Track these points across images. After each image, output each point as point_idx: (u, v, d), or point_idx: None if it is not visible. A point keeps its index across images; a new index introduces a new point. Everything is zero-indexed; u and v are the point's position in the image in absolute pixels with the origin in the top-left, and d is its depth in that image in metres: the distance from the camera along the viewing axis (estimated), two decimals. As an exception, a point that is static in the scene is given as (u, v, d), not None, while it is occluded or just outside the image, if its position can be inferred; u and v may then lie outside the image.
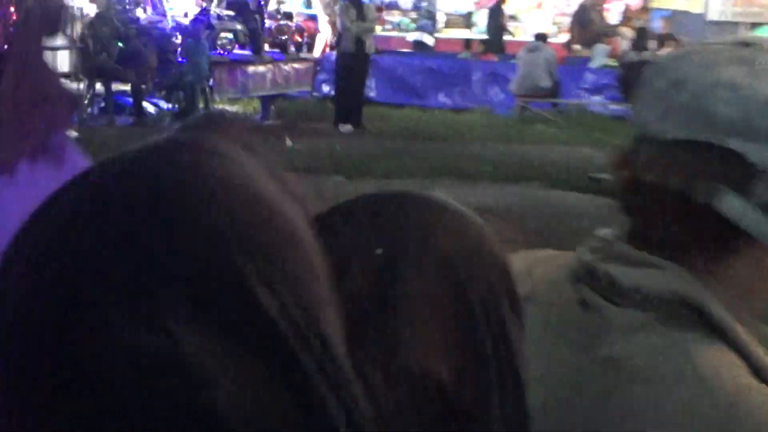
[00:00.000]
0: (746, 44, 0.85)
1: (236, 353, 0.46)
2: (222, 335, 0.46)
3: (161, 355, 0.45)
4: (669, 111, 0.81)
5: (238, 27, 11.55)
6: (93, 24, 11.11)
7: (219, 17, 11.86)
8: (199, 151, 0.53)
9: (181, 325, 0.45)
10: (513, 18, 15.57)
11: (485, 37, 15.30)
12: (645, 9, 15.44)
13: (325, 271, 0.52)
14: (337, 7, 12.80)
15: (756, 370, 0.78)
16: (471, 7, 16.11)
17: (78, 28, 11.28)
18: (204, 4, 11.58)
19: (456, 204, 0.69)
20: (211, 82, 11.02)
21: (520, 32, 15.83)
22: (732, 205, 0.76)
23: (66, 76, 11.83)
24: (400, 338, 0.60)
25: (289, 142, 10.32)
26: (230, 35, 11.39)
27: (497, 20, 14.13)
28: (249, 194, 0.51)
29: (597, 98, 13.21)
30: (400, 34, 15.34)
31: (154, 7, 11.45)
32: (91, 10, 11.31)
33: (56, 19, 2.42)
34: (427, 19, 16.16)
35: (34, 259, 0.50)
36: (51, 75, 2.38)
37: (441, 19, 16.36)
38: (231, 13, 11.81)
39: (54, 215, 0.51)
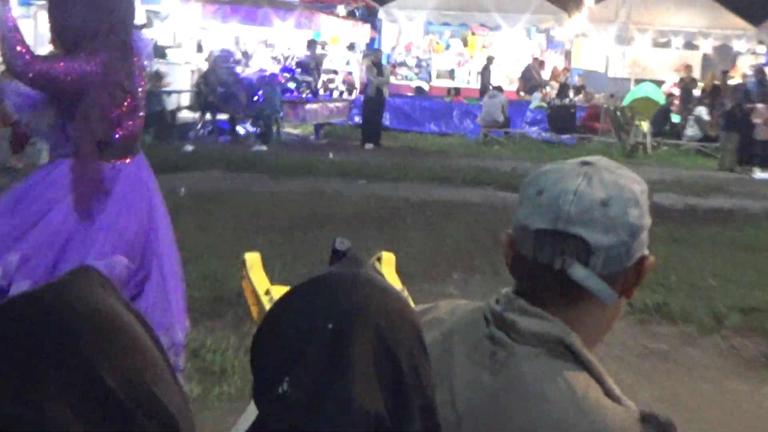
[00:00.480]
0: (587, 163, 0.83)
1: (89, 416, 0.46)
2: (80, 404, 0.46)
3: (28, 423, 0.45)
4: (535, 210, 0.80)
5: (304, 79, 10.96)
6: (205, 75, 10.16)
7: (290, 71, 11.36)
8: (82, 295, 0.53)
9: (48, 400, 0.46)
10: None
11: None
12: (566, 69, 14.38)
13: (162, 362, 0.53)
14: (365, 67, 11.84)
15: (606, 392, 0.78)
16: (454, 66, 14.78)
17: (195, 77, 10.62)
18: (280, 64, 10.98)
19: (379, 279, 0.68)
20: (281, 114, 10.39)
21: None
22: (579, 273, 0.76)
23: (188, 107, 11.10)
24: (354, 387, 0.58)
25: (330, 155, 9.63)
26: (295, 84, 10.80)
27: (485, 75, 13.23)
28: (109, 318, 0.53)
29: (534, 128, 11.83)
30: (406, 83, 13.92)
31: (246, 64, 10.77)
32: (204, 66, 10.61)
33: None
34: (425, 73, 14.56)
35: None
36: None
37: (434, 73, 14.48)
38: (298, 69, 11.11)
39: None
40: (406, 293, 1.16)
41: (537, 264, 0.77)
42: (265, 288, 1.52)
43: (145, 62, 2.50)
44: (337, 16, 11.73)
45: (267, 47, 11.38)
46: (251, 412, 0.80)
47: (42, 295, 0.52)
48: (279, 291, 1.49)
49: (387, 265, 1.63)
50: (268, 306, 1.50)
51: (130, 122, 2.31)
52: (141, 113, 2.38)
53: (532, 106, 12.03)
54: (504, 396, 0.78)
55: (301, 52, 11.34)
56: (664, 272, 4.94)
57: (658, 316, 4.39)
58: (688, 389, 3.43)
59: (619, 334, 3.87)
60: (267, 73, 10.35)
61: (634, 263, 0.77)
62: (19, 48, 2.16)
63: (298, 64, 11.08)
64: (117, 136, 2.28)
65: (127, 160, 2.32)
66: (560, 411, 0.75)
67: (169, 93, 10.27)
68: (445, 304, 0.94)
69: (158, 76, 9.73)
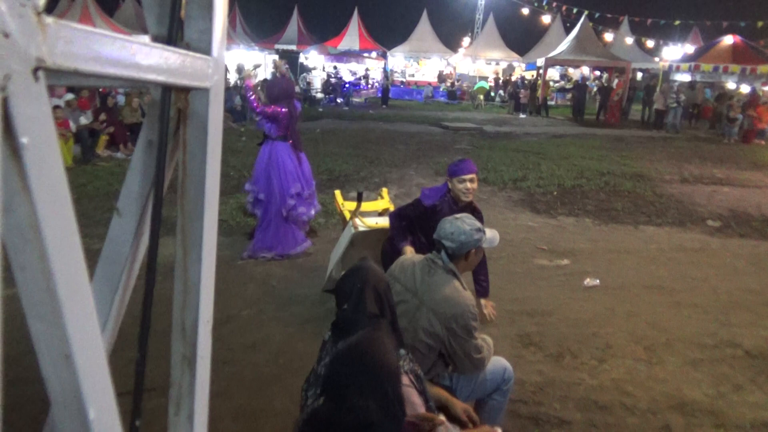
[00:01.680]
0: (456, 218, 2.33)
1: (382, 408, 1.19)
2: (379, 405, 1.20)
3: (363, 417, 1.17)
4: (436, 232, 2.36)
5: (360, 81, 27.48)
6: (326, 80, 26.34)
7: (358, 80, 27.80)
8: (372, 344, 1.34)
9: (368, 401, 1.16)
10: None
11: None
12: (454, 73, 31.80)
13: (416, 391, 1.49)
14: (381, 75, 27.94)
15: (463, 286, 2.23)
16: (415, 72, 33.06)
17: (322, 81, 26.81)
18: (354, 76, 27.33)
19: (374, 267, 1.84)
20: (352, 93, 26.62)
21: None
22: (442, 253, 2.32)
23: (320, 92, 26.78)
24: (366, 305, 1.69)
25: (370, 111, 26.25)
26: (358, 83, 27.45)
27: (424, 75, 30.86)
28: (389, 363, 1.28)
29: (443, 98, 28.97)
30: (398, 79, 31.02)
31: (339, 76, 27.33)
32: (324, 76, 27.06)
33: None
34: (403, 76, 32.54)
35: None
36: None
37: (407, 76, 32.57)
38: (362, 79, 27.97)
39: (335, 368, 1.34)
40: (392, 208, 4.24)
41: (436, 246, 2.35)
42: (341, 203, 4.52)
43: (297, 104, 4.95)
44: (372, 57, 28.91)
45: (349, 71, 27.97)
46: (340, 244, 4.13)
47: (364, 347, 1.30)
48: (348, 204, 4.57)
49: (385, 196, 4.60)
50: (345, 212, 4.39)
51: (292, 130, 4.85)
52: (294, 127, 4.87)
53: (441, 89, 28.71)
54: (433, 284, 2.25)
55: (361, 71, 27.98)
56: (486, 162, 9.92)
57: (483, 182, 8.35)
58: (493, 216, 6.60)
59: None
60: (348, 80, 27.11)
61: (465, 254, 2.31)
62: (254, 102, 4.78)
63: (359, 77, 27.56)
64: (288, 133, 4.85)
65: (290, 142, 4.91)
66: (451, 290, 2.21)
67: (313, 87, 26.35)
68: (409, 257, 2.52)
69: (307, 81, 25.99)
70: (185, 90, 0.85)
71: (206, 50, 0.83)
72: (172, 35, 0.80)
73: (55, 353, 0.57)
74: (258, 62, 4.26)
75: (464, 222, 2.33)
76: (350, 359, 1.32)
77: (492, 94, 27.73)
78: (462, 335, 2.24)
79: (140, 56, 0.64)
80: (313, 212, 5.32)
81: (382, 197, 4.78)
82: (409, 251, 3.23)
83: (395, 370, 1.32)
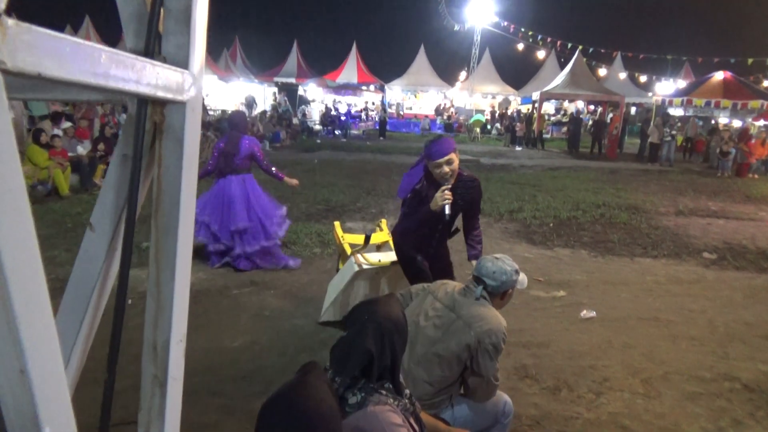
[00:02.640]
0: (497, 258, 2.47)
1: None
2: None
3: None
4: (476, 269, 2.49)
5: (358, 114, 27.94)
6: (325, 112, 26.70)
7: (357, 113, 28.49)
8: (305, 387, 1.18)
9: None
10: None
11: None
12: (452, 106, 32.33)
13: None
14: (379, 107, 29.25)
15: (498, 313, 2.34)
16: (413, 105, 33.44)
17: (320, 113, 27.22)
18: (353, 108, 27.86)
19: (382, 300, 1.74)
20: (350, 125, 27.01)
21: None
22: (480, 288, 2.42)
23: (318, 124, 27.23)
24: (366, 340, 1.58)
25: (367, 143, 26.64)
26: (355, 116, 27.80)
27: (421, 108, 31.26)
28: (329, 409, 1.15)
29: (440, 129, 29.71)
30: (393, 112, 31.37)
31: (337, 108, 27.73)
32: (323, 108, 27.34)
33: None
34: (401, 108, 32.55)
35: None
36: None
37: (405, 108, 33.11)
38: (359, 110, 28.37)
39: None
40: (391, 241, 3.66)
41: (476, 278, 2.45)
42: (341, 236, 4.30)
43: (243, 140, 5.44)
44: (370, 90, 29.31)
45: (347, 103, 28.32)
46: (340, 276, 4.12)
47: (291, 394, 1.10)
48: (349, 237, 4.46)
49: (384, 228, 4.55)
50: (345, 246, 4.29)
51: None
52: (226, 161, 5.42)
53: (438, 121, 29.24)
54: (470, 304, 2.40)
55: (360, 104, 28.47)
56: (484, 195, 12.93)
57: (479, 214, 10.25)
58: (489, 247, 6.28)
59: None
60: (344, 111, 27.48)
61: (504, 292, 2.45)
62: (273, 169, 5.55)
63: (359, 110, 28.06)
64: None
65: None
66: (487, 310, 2.37)
67: (311, 119, 26.74)
68: (440, 282, 2.64)
69: (305, 113, 26.41)
70: (161, 103, 0.83)
71: (183, 64, 0.81)
72: (149, 48, 0.78)
73: (9, 368, 0.54)
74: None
75: (505, 263, 2.42)
76: (276, 410, 1.22)
77: (488, 126, 28.24)
78: (491, 353, 2.30)
79: (112, 65, 0.62)
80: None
81: (381, 229, 4.75)
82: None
83: (330, 416, 1.20)
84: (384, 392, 1.63)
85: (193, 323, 4.31)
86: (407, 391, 1.76)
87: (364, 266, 3.99)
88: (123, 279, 0.89)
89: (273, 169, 5.58)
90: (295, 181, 5.73)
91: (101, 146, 9.87)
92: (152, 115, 0.84)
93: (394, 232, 3.59)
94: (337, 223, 4.75)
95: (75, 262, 0.96)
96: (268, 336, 4.16)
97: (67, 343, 0.94)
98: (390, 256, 4.04)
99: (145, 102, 0.82)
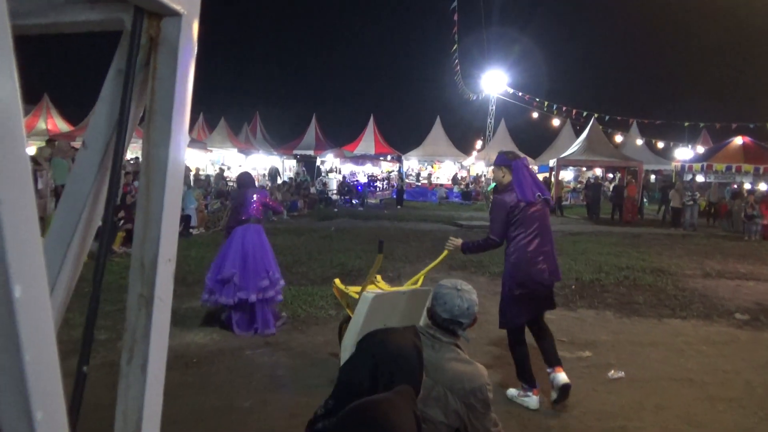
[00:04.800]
0: (459, 289, 2.25)
1: None
2: None
3: None
4: (443, 309, 2.22)
5: (377, 183, 28.34)
6: (342, 182, 26.82)
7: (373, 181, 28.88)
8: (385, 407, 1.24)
9: None
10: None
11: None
12: (468, 176, 33.05)
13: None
14: (397, 178, 29.69)
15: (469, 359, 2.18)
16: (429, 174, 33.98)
17: (337, 183, 27.74)
18: (369, 178, 28.40)
19: (391, 332, 1.94)
20: (368, 194, 27.36)
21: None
22: (459, 332, 2.24)
23: (335, 193, 28.01)
24: (394, 378, 1.62)
25: (385, 211, 26.75)
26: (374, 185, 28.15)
27: (436, 179, 31.84)
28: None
29: (457, 199, 29.58)
30: (412, 182, 32.49)
31: (355, 178, 28.23)
32: (340, 178, 27.93)
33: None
34: (418, 178, 33.29)
35: None
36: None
37: (422, 179, 33.54)
38: (378, 180, 28.91)
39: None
40: (389, 287, 4.24)
41: (442, 324, 2.22)
42: (343, 288, 4.43)
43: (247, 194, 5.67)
44: (387, 160, 29.96)
45: (364, 173, 28.89)
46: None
47: (375, 408, 1.22)
48: (353, 288, 4.44)
49: (380, 282, 4.32)
50: (351, 293, 4.36)
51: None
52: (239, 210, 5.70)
53: (455, 190, 29.70)
54: (442, 360, 2.14)
55: (377, 173, 29.07)
56: (501, 258, 15.26)
57: (498, 276, 8.53)
58: None
59: (484, 284, 8.48)
60: (363, 181, 27.99)
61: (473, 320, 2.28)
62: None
63: (374, 178, 28.61)
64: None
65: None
66: (463, 365, 2.15)
67: (329, 188, 27.20)
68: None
69: (324, 183, 26.94)
70: (157, 16, 0.84)
71: (180, -26, 0.82)
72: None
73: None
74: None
75: (471, 292, 2.29)
76: (356, 422, 1.21)
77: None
78: (481, 410, 2.16)
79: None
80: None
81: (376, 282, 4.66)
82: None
83: None
84: None
85: (205, 383, 4.30)
86: None
87: (379, 293, 3.95)
88: (111, 196, 0.88)
89: (277, 205, 5.91)
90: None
91: (121, 213, 10.08)
92: (148, 29, 0.84)
93: None
94: (336, 280, 4.71)
95: (66, 183, 0.97)
96: (281, 396, 4.06)
97: (53, 267, 0.93)
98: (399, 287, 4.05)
99: (141, 14, 0.82)
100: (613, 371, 4.73)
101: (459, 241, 4.37)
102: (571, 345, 5.47)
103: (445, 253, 4.48)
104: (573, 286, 8.12)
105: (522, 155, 4.48)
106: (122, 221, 9.96)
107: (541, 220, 4.15)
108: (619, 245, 12.89)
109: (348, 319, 4.57)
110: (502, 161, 4.22)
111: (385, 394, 1.32)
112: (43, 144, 11.24)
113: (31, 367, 0.60)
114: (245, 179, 6.09)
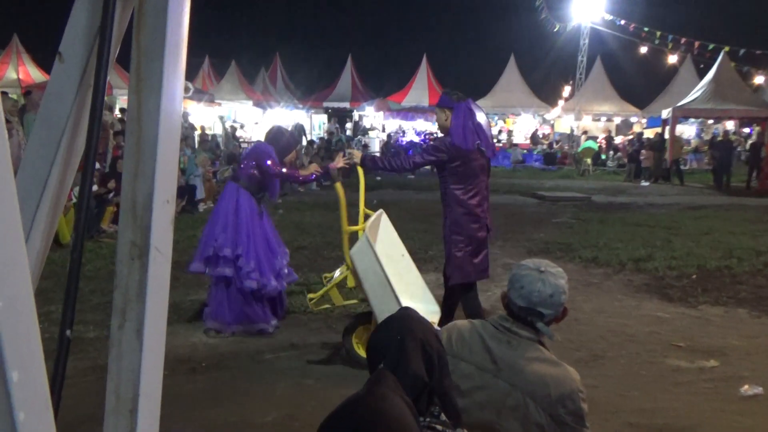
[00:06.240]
0: (541, 271, 2.18)
1: None
2: None
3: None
4: (519, 296, 2.17)
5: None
6: (386, 142, 26.82)
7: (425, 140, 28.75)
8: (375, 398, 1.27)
9: None
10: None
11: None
12: (551, 133, 32.08)
13: None
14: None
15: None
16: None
17: (381, 143, 27.75)
18: (420, 136, 28.31)
19: (418, 315, 1.84)
20: None
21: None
22: (539, 325, 2.19)
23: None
24: (410, 363, 1.65)
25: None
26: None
27: (511, 137, 31.43)
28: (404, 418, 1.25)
29: (537, 163, 28.48)
30: None
31: (403, 136, 28.13)
32: (384, 137, 27.76)
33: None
34: None
35: None
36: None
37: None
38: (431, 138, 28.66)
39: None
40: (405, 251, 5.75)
41: (520, 313, 2.20)
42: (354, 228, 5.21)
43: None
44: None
45: (414, 130, 28.87)
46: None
47: (359, 403, 1.28)
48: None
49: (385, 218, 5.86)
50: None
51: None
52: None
53: (535, 152, 29.00)
54: (521, 359, 2.17)
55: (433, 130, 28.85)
56: (596, 239, 10.19)
57: (592, 263, 8.66)
58: (607, 304, 6.80)
59: (573, 273, 7.78)
60: (414, 141, 27.98)
61: (562, 313, 2.22)
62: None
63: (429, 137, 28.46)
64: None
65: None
66: (549, 365, 2.16)
67: (370, 151, 27.23)
68: (460, 322, 2.39)
69: (364, 144, 27.03)
70: None
71: None
72: None
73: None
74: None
75: (558, 276, 2.22)
76: (344, 425, 1.26)
77: (602, 156, 27.83)
78: (572, 424, 2.12)
79: None
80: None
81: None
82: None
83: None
84: (440, 427, 1.61)
85: (216, 393, 4.43)
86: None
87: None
88: (95, 122, 0.89)
89: (287, 170, 5.66)
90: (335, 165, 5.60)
91: (112, 184, 10.30)
92: None
93: None
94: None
95: (42, 100, 0.99)
96: (311, 409, 4.15)
97: (27, 209, 0.94)
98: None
99: None
100: (746, 386, 4.64)
101: (358, 153, 5.29)
102: (690, 352, 5.37)
103: (360, 173, 5.31)
104: (694, 276, 7.95)
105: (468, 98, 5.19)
106: (112, 193, 10.21)
107: (483, 173, 5.14)
108: (757, 222, 12.53)
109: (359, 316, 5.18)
110: (445, 102, 5.06)
111: (365, 388, 1.40)
112: (16, 97, 11.43)
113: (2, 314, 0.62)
114: (269, 133, 6.01)
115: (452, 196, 5.06)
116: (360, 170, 5.21)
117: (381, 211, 5.65)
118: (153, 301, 0.91)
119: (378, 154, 26.00)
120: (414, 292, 5.35)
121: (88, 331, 5.50)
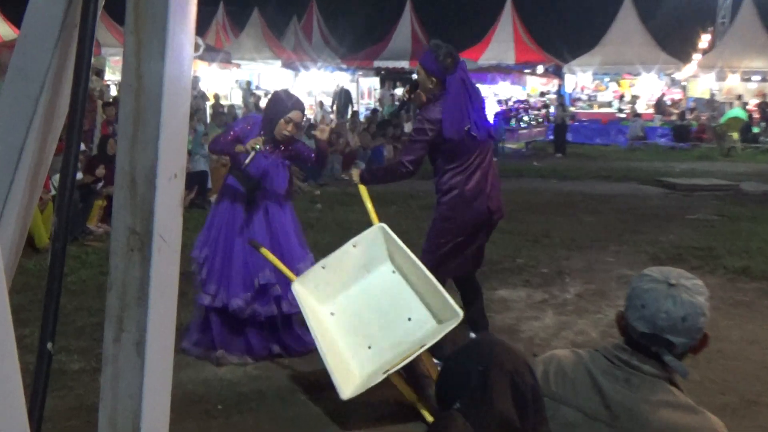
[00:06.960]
0: (672, 285, 2.08)
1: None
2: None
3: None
4: (639, 318, 2.11)
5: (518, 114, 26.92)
6: None
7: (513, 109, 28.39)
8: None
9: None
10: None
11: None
12: (683, 99, 31.27)
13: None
14: (555, 105, 27.21)
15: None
16: (611, 99, 32.64)
17: None
18: (503, 106, 27.85)
19: (506, 343, 2.00)
20: (504, 136, 24.43)
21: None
22: (667, 358, 2.06)
23: None
24: (494, 401, 1.71)
25: (534, 163, 21.26)
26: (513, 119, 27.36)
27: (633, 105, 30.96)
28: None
29: (662, 139, 27.05)
30: (583, 111, 30.70)
31: None
32: None
33: None
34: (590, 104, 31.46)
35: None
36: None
37: (597, 105, 32.04)
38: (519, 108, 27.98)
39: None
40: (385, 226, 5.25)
41: (641, 341, 2.12)
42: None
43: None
44: (537, 74, 29.50)
45: (495, 96, 28.51)
46: None
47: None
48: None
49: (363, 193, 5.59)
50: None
51: None
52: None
53: (660, 124, 28.01)
54: (644, 403, 2.08)
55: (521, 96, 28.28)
56: (746, 243, 9.93)
57: (742, 275, 8.36)
58: (763, 331, 6.56)
59: (716, 290, 7.30)
60: (495, 111, 27.55)
61: (701, 342, 2.12)
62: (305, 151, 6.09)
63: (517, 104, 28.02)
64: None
65: None
66: (682, 412, 2.08)
67: None
68: (560, 352, 2.36)
69: None
70: None
71: None
72: None
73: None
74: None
75: (694, 291, 2.10)
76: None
77: (755, 129, 27.09)
78: None
79: None
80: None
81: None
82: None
83: None
84: None
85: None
86: None
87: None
88: (81, 69, 0.89)
89: (220, 144, 5.81)
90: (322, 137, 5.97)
91: (100, 170, 10.21)
92: None
93: None
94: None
95: (16, 44, 0.99)
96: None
97: (9, 155, 0.95)
98: None
99: None
100: None
101: (356, 171, 5.66)
102: None
103: (363, 191, 5.46)
104: None
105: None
106: (102, 182, 10.16)
107: (476, 147, 5.33)
108: None
109: None
110: (433, 69, 5.36)
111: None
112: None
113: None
114: (270, 100, 6.13)
115: (440, 174, 5.44)
116: (362, 188, 5.42)
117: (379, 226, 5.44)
118: (157, 305, 0.90)
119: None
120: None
121: (72, 362, 5.48)
